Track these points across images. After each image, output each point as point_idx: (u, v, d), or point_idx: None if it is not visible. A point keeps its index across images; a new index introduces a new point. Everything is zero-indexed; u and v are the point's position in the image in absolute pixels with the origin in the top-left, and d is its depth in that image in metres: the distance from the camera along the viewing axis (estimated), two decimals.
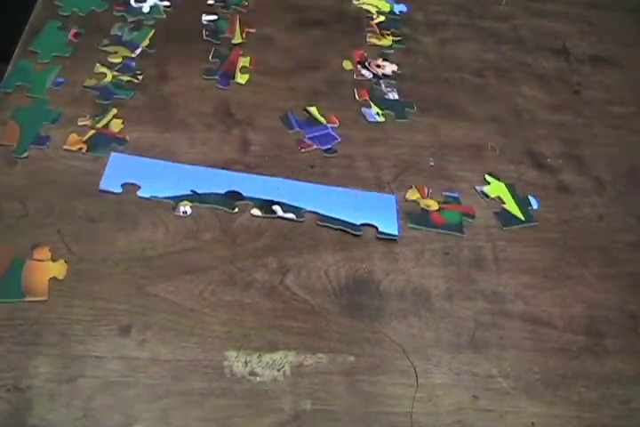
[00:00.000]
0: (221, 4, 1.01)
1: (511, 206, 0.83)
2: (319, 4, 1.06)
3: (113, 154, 0.78)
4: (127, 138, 0.80)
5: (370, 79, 0.96)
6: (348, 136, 0.87)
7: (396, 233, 0.77)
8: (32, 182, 0.74)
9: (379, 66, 0.98)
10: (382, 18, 1.06)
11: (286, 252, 0.74)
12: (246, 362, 0.64)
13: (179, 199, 0.75)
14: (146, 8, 0.97)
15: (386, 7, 1.07)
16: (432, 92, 0.96)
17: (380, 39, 1.02)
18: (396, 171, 0.84)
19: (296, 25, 1.02)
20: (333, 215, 0.77)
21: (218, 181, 0.78)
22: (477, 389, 0.67)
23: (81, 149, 0.78)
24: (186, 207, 0.75)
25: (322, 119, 0.88)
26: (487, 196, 0.84)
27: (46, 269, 0.67)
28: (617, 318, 0.75)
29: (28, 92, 0.82)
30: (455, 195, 0.82)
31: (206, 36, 0.96)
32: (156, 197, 0.75)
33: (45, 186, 0.74)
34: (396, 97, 0.94)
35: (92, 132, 0.80)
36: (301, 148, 0.84)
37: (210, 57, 0.93)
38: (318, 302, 0.70)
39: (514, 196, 0.85)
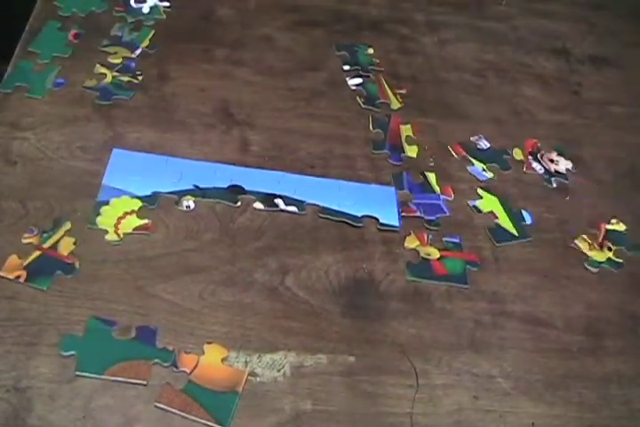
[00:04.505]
0: None
1: (504, 221, 0.81)
2: (319, 4, 1.06)
3: (115, 150, 0.78)
4: (76, 265, 0.68)
5: (541, 174, 0.88)
6: (348, 136, 0.87)
7: (397, 224, 0.78)
8: (32, 182, 0.74)
9: (552, 160, 0.89)
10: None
11: (286, 252, 0.74)
12: (246, 362, 0.64)
13: (182, 194, 0.76)
14: (146, 9, 0.97)
15: None
16: (432, 92, 0.96)
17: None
18: (397, 171, 0.84)
19: (296, 25, 1.02)
20: (335, 208, 0.78)
21: (220, 176, 0.78)
22: (477, 389, 0.67)
23: (18, 277, 0.65)
24: (189, 202, 0.75)
25: (437, 188, 0.83)
26: (480, 211, 0.82)
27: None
28: (617, 318, 0.75)
29: (27, 93, 0.82)
30: (456, 240, 0.78)
31: (363, 104, 0.91)
32: (158, 192, 0.75)
33: (45, 186, 0.74)
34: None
35: (36, 253, 0.68)
36: (403, 211, 0.79)
37: (370, 126, 0.89)
38: (318, 302, 0.70)
39: (507, 210, 0.82)
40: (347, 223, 0.77)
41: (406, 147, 0.87)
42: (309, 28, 1.02)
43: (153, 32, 0.94)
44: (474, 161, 0.87)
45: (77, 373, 0.60)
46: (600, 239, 0.82)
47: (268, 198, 0.77)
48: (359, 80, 0.95)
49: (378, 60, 0.98)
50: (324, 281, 0.72)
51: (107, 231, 0.71)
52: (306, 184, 0.80)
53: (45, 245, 0.69)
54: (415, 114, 0.92)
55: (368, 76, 0.95)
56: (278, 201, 0.77)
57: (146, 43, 0.92)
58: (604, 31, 1.14)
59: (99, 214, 0.72)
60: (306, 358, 0.66)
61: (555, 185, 0.87)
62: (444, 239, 0.78)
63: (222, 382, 0.62)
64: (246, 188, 0.78)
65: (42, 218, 0.71)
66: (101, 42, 0.91)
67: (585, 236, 0.81)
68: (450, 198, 0.82)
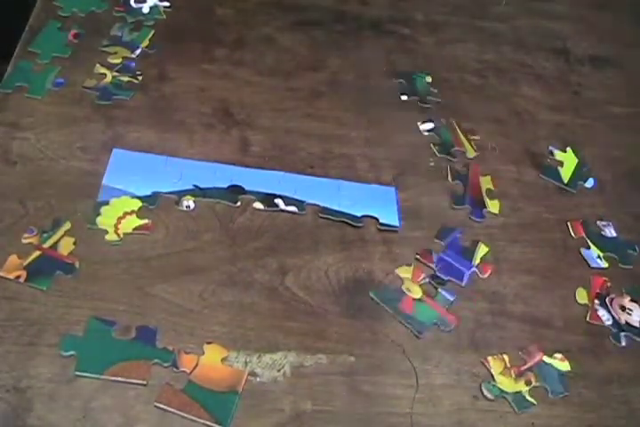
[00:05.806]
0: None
1: (566, 170, 0.88)
2: (319, 4, 1.06)
3: (115, 150, 0.78)
4: (76, 265, 0.67)
5: (607, 326, 0.73)
6: (348, 136, 0.87)
7: (397, 224, 0.78)
8: (32, 182, 0.74)
9: (623, 308, 0.74)
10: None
11: (286, 252, 0.74)
12: (246, 362, 0.64)
13: (181, 194, 0.76)
14: (146, 9, 0.97)
15: None
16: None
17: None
18: (396, 171, 0.84)
19: (296, 25, 1.02)
20: (335, 208, 0.78)
21: (220, 176, 0.79)
22: (477, 389, 0.66)
23: (19, 277, 0.65)
24: (189, 202, 0.75)
25: (477, 260, 0.76)
26: (552, 154, 0.89)
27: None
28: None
29: (27, 93, 0.82)
30: (450, 298, 0.72)
31: (438, 152, 0.86)
32: (158, 192, 0.75)
33: (45, 186, 0.74)
34: None
35: (36, 253, 0.67)
36: (421, 255, 0.74)
37: (449, 178, 0.84)
38: (318, 302, 0.70)
39: (577, 165, 0.89)
40: (347, 223, 0.77)
41: (487, 201, 0.82)
42: (309, 28, 1.02)
43: (153, 32, 0.94)
44: (591, 245, 0.80)
45: (77, 373, 0.60)
46: (524, 368, 0.67)
47: (268, 198, 0.77)
48: (431, 125, 0.90)
49: (436, 90, 0.96)
50: (324, 281, 0.72)
51: (107, 231, 0.71)
52: (306, 184, 0.80)
53: (45, 245, 0.69)
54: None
55: (439, 120, 0.91)
56: (278, 201, 0.77)
57: (146, 43, 0.92)
58: (603, 31, 1.14)
59: (99, 214, 0.72)
60: (306, 358, 0.66)
61: (623, 344, 0.72)
62: (440, 290, 0.73)
63: (222, 382, 0.62)
64: (246, 188, 0.78)
65: (42, 218, 0.71)
66: (101, 42, 0.91)
67: (506, 356, 0.68)
68: (482, 276, 0.75)
